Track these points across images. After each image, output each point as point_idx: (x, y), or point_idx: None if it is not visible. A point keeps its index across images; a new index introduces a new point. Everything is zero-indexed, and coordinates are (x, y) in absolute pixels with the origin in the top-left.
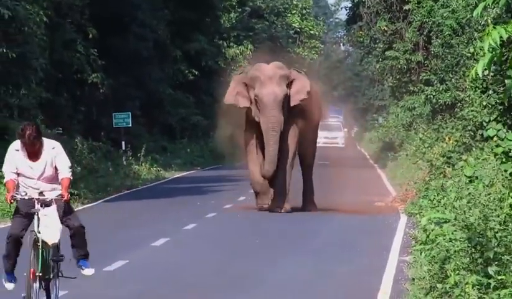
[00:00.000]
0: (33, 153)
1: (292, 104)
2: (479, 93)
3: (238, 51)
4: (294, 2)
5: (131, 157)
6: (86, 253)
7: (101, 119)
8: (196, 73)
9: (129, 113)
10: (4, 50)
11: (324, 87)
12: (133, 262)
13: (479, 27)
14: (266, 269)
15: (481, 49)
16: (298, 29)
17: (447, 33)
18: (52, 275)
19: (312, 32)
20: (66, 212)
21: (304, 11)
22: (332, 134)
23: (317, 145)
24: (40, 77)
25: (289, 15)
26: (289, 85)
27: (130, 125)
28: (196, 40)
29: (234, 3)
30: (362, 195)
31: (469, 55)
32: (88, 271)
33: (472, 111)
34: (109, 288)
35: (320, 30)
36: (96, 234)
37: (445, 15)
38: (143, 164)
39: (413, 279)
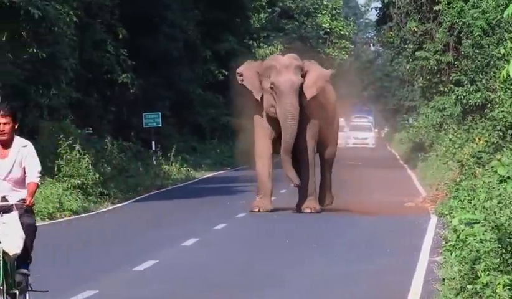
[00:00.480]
0: (4, 144)
1: (308, 96)
2: (510, 94)
3: (268, 51)
4: (325, 3)
5: (161, 157)
6: (29, 257)
7: (131, 119)
8: (226, 73)
9: (159, 113)
10: (34, 50)
11: (353, 88)
12: (163, 262)
13: (510, 28)
14: (294, 269)
15: (511, 50)
16: (328, 29)
17: (477, 33)
18: (19, 289)
19: (342, 32)
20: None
21: (334, 11)
22: (362, 134)
23: (348, 146)
24: (70, 77)
25: (319, 15)
26: (303, 76)
27: (160, 125)
28: (226, 40)
29: (264, 3)
30: (392, 196)
31: (499, 55)
32: None
33: (502, 111)
34: (139, 288)
35: (350, 30)
36: (126, 234)
37: (475, 15)
38: (173, 164)
39: (444, 279)
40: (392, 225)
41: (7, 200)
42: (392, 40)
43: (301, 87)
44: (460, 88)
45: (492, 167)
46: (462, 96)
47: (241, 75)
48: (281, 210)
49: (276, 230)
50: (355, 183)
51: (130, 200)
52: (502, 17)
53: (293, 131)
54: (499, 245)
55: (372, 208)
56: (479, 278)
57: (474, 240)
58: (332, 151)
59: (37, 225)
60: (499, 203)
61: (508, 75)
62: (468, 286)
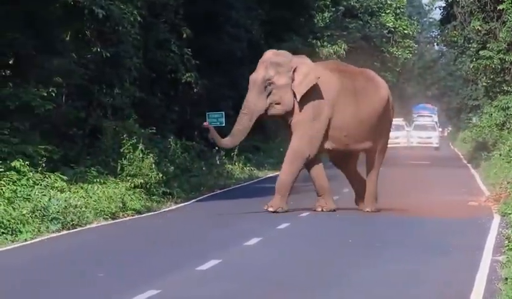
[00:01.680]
0: None
1: (297, 97)
2: None
3: (332, 50)
4: (388, 2)
5: (224, 157)
6: None
7: (194, 118)
8: None
9: (223, 112)
10: (98, 50)
11: (418, 86)
12: (226, 262)
13: None
14: (357, 269)
15: None
16: (392, 29)
17: None
18: None
19: (406, 31)
20: None
21: (398, 10)
22: (426, 133)
23: (412, 145)
24: (134, 76)
25: (383, 14)
26: (292, 76)
27: (224, 125)
28: (290, 39)
29: (328, 2)
30: (456, 195)
31: None
32: None
33: None
34: (203, 288)
35: (414, 29)
36: (189, 234)
37: None
38: (236, 164)
39: (506, 278)
40: (455, 225)
41: None
42: (455, 39)
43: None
44: None
45: None
46: None
47: None
48: (344, 210)
49: (340, 230)
50: (419, 183)
51: (193, 200)
52: None
53: (239, 123)
54: None
55: (435, 207)
56: None
57: None
58: (377, 154)
59: (99, 224)
60: None
61: None
62: None
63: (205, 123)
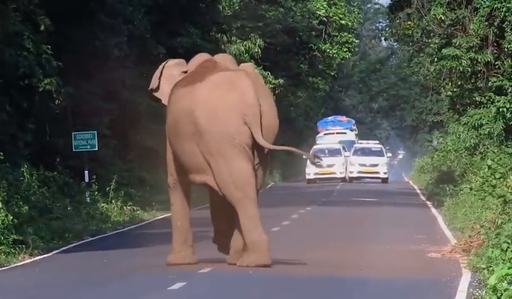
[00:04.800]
0: None
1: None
2: None
3: (243, 48)
4: None
5: (97, 193)
6: None
7: (56, 140)
8: None
9: (95, 132)
10: None
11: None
12: None
13: None
14: None
15: None
16: (324, 19)
17: None
18: None
19: (343, 22)
20: None
21: None
22: (371, 160)
23: (352, 175)
24: None
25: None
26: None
27: (96, 149)
28: (186, 33)
29: None
30: (411, 244)
31: None
32: None
33: None
34: None
35: (354, 19)
36: (49, 297)
37: None
38: (113, 202)
39: None
40: (411, 285)
41: None
42: (410, 32)
43: None
44: (502, 97)
45: None
46: (505, 109)
47: None
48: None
49: (241, 290)
50: (361, 227)
51: (55, 251)
52: None
53: None
54: None
55: (383, 261)
56: None
57: None
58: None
59: None
60: None
61: None
62: None
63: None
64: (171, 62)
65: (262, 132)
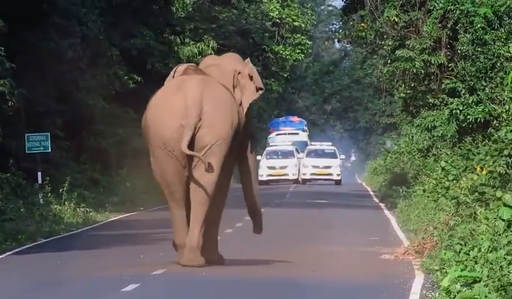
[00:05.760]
0: None
1: None
2: None
3: (196, 49)
4: None
5: (50, 194)
6: None
7: (9, 142)
8: (139, 79)
9: (48, 134)
10: None
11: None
12: None
13: None
14: None
15: None
16: (278, 20)
17: (479, 26)
18: None
19: (296, 23)
20: None
21: None
22: (324, 161)
23: (305, 177)
24: None
25: (266, 1)
26: None
27: (49, 150)
28: (139, 34)
29: None
30: (364, 246)
31: (508, 55)
32: None
33: None
34: None
35: (307, 21)
36: None
37: (476, 1)
38: (66, 204)
39: None
40: (364, 287)
41: None
42: (363, 34)
43: None
44: (456, 99)
45: (498, 206)
46: (458, 111)
47: None
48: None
49: (192, 293)
50: (313, 228)
51: (8, 253)
52: None
53: None
54: None
55: (335, 263)
56: None
57: None
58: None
59: None
60: (507, 254)
61: None
62: None
63: None
64: (180, 67)
65: (204, 134)
